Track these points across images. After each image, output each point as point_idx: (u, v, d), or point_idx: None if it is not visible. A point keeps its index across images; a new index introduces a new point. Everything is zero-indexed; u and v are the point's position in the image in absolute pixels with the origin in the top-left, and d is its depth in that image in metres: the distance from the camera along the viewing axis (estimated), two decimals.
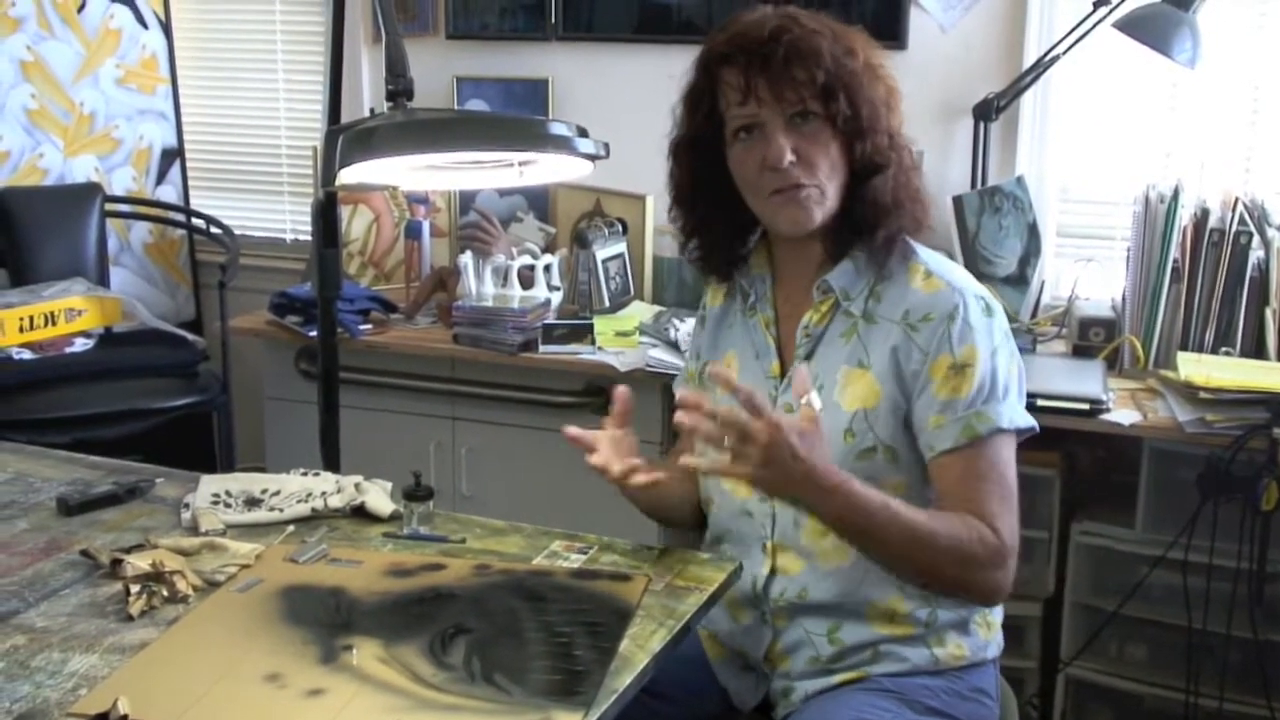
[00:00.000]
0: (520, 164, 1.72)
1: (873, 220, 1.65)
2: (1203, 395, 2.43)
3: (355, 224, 3.45)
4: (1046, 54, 2.94)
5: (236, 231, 3.91)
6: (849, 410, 1.65)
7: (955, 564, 1.58)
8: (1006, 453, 1.63)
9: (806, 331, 1.70)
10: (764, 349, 1.75)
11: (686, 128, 1.73)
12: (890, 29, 3.16)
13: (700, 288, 3.30)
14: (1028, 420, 1.66)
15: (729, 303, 1.85)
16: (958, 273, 1.70)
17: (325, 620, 1.49)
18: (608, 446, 1.66)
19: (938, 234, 2.21)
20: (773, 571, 1.72)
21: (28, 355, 3.42)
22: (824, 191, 1.65)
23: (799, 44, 1.60)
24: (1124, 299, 2.77)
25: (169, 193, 4.10)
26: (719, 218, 1.75)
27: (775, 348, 1.74)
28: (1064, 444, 2.69)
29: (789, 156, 1.62)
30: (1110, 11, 2.82)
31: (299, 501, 1.82)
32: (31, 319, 3.40)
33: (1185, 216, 2.67)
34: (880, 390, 1.64)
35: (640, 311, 3.16)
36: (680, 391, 1.62)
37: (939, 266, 1.69)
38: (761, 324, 1.76)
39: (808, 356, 1.70)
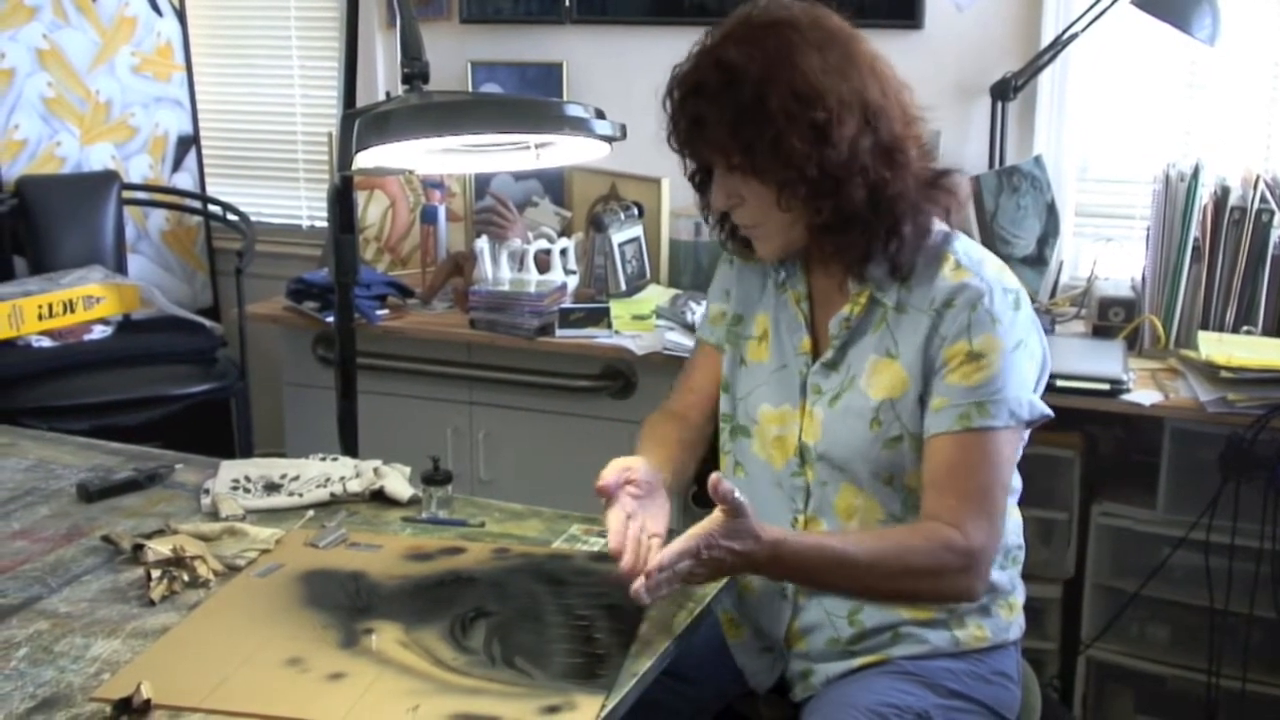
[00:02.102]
0: (537, 146, 1.72)
1: (847, 243, 1.62)
2: (1224, 375, 2.41)
3: (371, 209, 3.45)
4: (1064, 32, 2.92)
5: (253, 218, 3.91)
6: (875, 399, 1.64)
7: (925, 579, 1.57)
8: (1003, 449, 1.60)
9: (847, 324, 1.67)
10: (795, 325, 1.74)
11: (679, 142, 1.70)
12: (907, 9, 3.14)
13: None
14: (1038, 410, 1.62)
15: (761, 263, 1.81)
16: (990, 266, 1.65)
17: (345, 604, 1.50)
18: (629, 536, 1.53)
19: (962, 215, 2.19)
20: None
21: (47, 343, 3.43)
22: (769, 229, 1.65)
23: (698, 120, 1.59)
24: (1144, 278, 2.76)
25: (185, 180, 4.11)
26: None
27: (806, 325, 1.73)
28: (1084, 425, 2.67)
29: (725, 204, 1.66)
30: None
31: (318, 486, 1.82)
32: (50, 307, 3.42)
33: (1205, 195, 2.65)
34: (908, 379, 1.63)
35: (656, 295, 3.15)
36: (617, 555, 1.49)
37: (971, 259, 1.65)
38: (793, 300, 1.75)
39: (844, 346, 1.68)
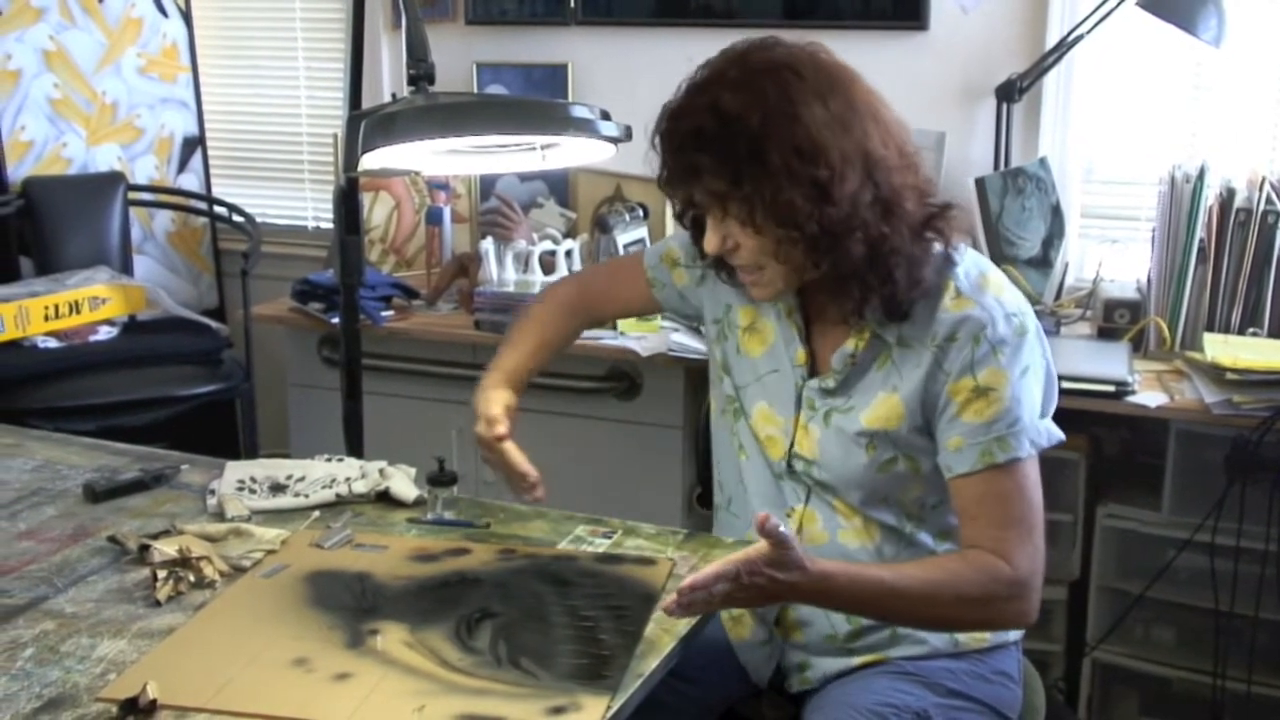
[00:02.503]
0: (542, 148, 1.72)
1: (845, 295, 1.59)
2: (1229, 376, 2.41)
3: (376, 211, 3.45)
4: (1070, 34, 2.92)
5: (258, 219, 3.91)
6: (868, 427, 1.63)
7: (974, 609, 1.56)
8: (1029, 473, 1.59)
9: (852, 360, 1.65)
10: (791, 337, 1.72)
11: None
12: (912, 10, 3.14)
13: None
14: (1055, 436, 1.61)
15: None
16: (991, 289, 1.61)
17: (351, 605, 1.50)
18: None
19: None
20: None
21: (53, 344, 3.44)
22: (766, 276, 1.61)
23: (699, 165, 1.53)
24: (1149, 280, 2.75)
25: (191, 181, 4.11)
26: None
27: (801, 338, 1.71)
28: (1089, 426, 2.67)
29: (718, 248, 1.61)
30: None
31: (324, 487, 1.82)
32: (56, 308, 3.42)
33: (1211, 196, 2.65)
34: (904, 411, 1.62)
35: None
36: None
37: (971, 284, 1.61)
38: (785, 312, 1.72)
39: (846, 380, 1.66)
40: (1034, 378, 1.60)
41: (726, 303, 1.81)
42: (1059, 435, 1.62)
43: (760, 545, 1.42)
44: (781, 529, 1.40)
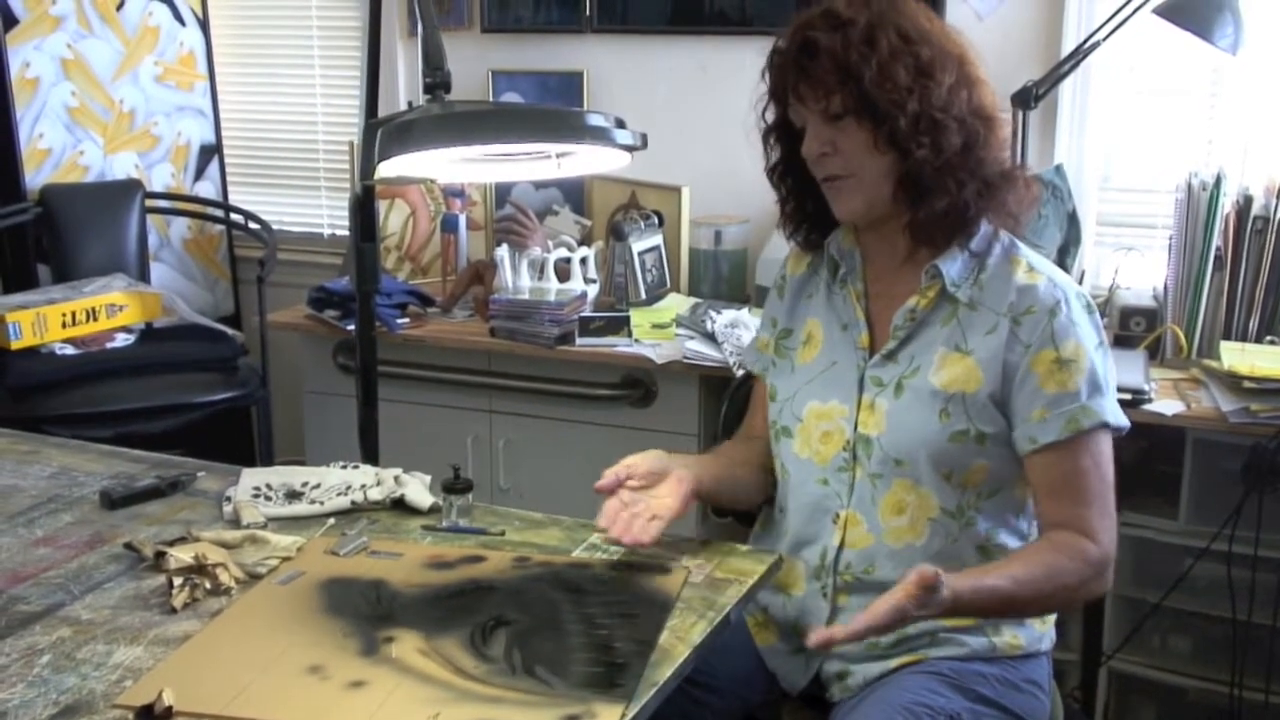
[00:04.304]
0: (558, 155, 1.72)
1: (941, 190, 1.65)
2: (1247, 385, 2.40)
3: (392, 218, 3.46)
4: (1086, 41, 2.91)
5: (274, 226, 3.93)
6: (945, 390, 1.67)
7: (1072, 593, 1.64)
8: (1107, 448, 1.66)
9: (912, 315, 1.71)
10: (853, 321, 1.77)
11: (768, 117, 1.78)
12: None
13: (737, 279, 3.30)
14: (1125, 420, 1.68)
15: (811, 273, 1.87)
16: (1059, 272, 1.72)
17: (366, 612, 1.50)
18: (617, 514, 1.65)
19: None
20: (841, 544, 1.73)
21: (70, 351, 3.45)
22: (862, 179, 1.67)
23: (811, 48, 1.64)
24: (1166, 288, 2.75)
25: (207, 188, 4.13)
26: (807, 192, 1.78)
27: (866, 321, 1.76)
28: None
29: (819, 150, 1.68)
30: None
31: (339, 494, 1.82)
32: (74, 315, 3.44)
33: (1228, 204, 2.64)
34: (982, 378, 1.66)
35: (677, 303, 3.15)
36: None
37: (1041, 264, 1.71)
38: (852, 296, 1.77)
39: (907, 339, 1.71)
40: (1102, 356, 1.67)
41: (789, 328, 1.86)
42: (1126, 422, 1.68)
43: (909, 589, 1.45)
44: (936, 574, 1.45)
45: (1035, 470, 1.66)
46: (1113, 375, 1.68)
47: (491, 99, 3.60)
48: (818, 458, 1.76)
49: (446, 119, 1.58)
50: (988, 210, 1.68)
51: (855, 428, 1.72)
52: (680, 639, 1.44)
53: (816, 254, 1.85)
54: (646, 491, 1.68)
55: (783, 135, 1.77)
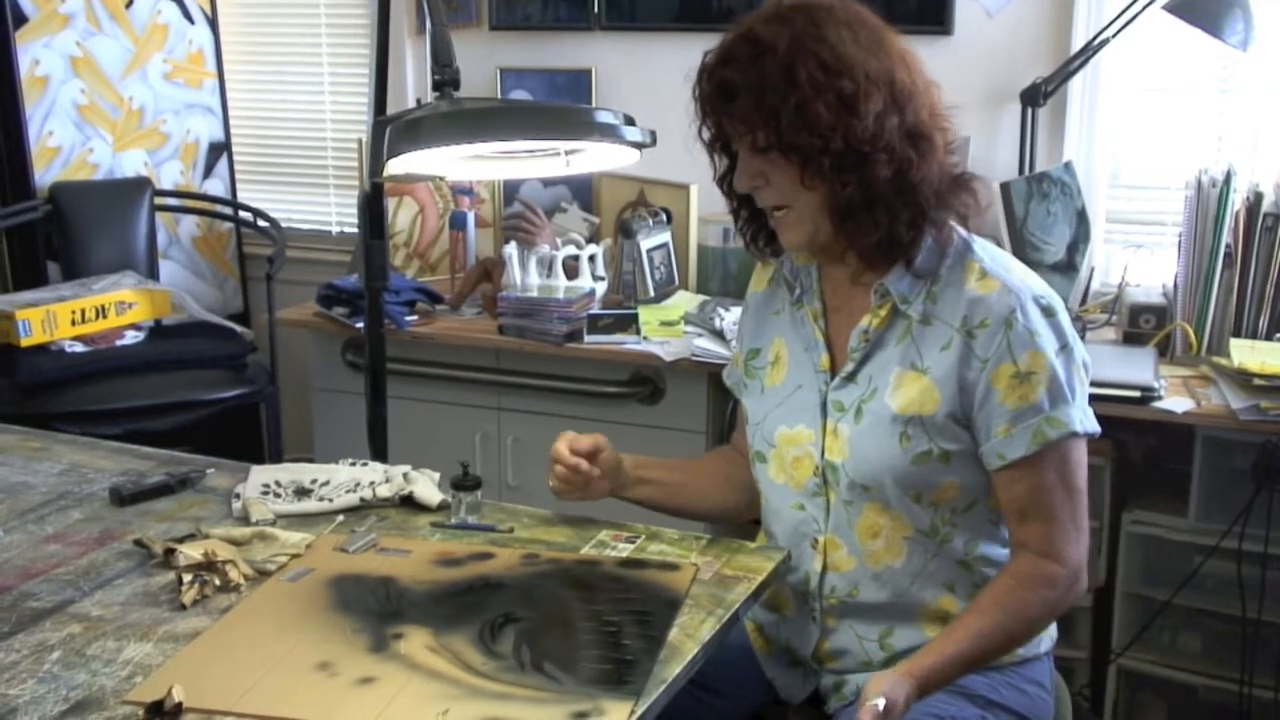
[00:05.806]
0: (566, 153, 1.72)
1: (871, 223, 1.60)
2: (1257, 382, 2.39)
3: (400, 216, 3.47)
4: (1095, 37, 2.91)
5: (283, 224, 3.93)
6: (903, 414, 1.62)
7: (1042, 621, 1.66)
8: (1078, 455, 1.61)
9: (866, 336, 1.66)
10: (813, 343, 1.72)
11: (704, 135, 1.71)
12: (936, 15, 3.14)
13: (746, 277, 3.30)
14: (1095, 424, 1.62)
15: (773, 289, 1.83)
16: (1015, 271, 1.64)
17: (375, 609, 1.50)
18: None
19: (986, 221, 2.19)
20: (824, 568, 1.71)
21: (80, 348, 3.46)
22: (800, 212, 1.62)
23: (728, 90, 1.58)
24: (1175, 285, 2.74)
25: (216, 186, 4.14)
26: (753, 201, 1.73)
27: (825, 342, 1.71)
28: (1115, 432, 2.65)
29: (750, 184, 1.64)
30: None
31: (348, 491, 1.83)
32: (83, 312, 3.45)
33: (1238, 201, 2.63)
34: (939, 398, 1.61)
35: (685, 301, 3.15)
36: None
37: (995, 265, 1.63)
38: (810, 317, 1.73)
39: (864, 359, 1.67)
40: (1065, 359, 1.60)
41: (756, 347, 1.82)
42: (1096, 427, 1.63)
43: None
44: (887, 700, 1.45)
45: (1002, 486, 1.62)
46: (1081, 378, 1.62)
47: (500, 96, 3.61)
48: (792, 483, 1.73)
49: (455, 116, 1.58)
50: (929, 227, 1.61)
51: (822, 454, 1.69)
52: (689, 636, 1.44)
53: (778, 267, 1.81)
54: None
55: (725, 146, 1.70)
